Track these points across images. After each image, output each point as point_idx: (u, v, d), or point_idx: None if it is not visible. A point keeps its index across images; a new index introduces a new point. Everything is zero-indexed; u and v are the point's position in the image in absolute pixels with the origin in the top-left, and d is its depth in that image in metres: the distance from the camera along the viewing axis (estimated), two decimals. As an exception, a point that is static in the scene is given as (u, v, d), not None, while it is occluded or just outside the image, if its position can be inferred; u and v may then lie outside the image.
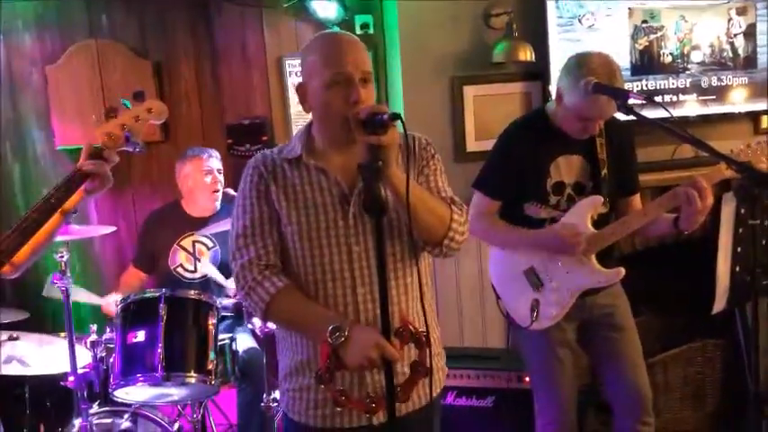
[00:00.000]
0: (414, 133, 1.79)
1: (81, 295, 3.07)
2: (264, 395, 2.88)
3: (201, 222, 3.29)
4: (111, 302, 3.04)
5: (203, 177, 3.29)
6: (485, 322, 3.67)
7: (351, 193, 1.71)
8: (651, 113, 2.38)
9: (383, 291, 1.53)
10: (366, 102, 1.64)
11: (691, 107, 3.62)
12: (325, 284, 1.70)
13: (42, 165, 3.95)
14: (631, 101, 2.18)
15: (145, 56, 3.90)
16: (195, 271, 3.30)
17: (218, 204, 3.35)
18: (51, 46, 3.88)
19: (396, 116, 1.54)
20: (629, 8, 3.51)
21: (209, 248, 3.31)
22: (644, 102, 2.15)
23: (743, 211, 1.80)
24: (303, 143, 1.76)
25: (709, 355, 3.44)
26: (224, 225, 3.06)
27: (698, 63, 3.59)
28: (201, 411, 2.99)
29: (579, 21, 3.48)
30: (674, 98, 3.58)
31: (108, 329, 2.86)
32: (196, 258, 3.30)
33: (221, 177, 3.35)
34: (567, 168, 2.50)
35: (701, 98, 3.61)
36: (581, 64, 2.34)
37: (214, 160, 3.34)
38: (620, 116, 2.37)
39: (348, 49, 1.68)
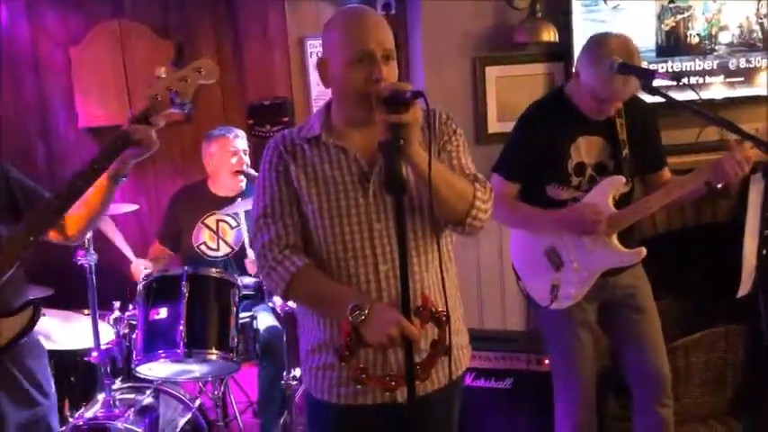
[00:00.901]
0: (435, 107, 1.76)
1: (119, 241, 3.12)
2: (285, 373, 2.90)
3: (226, 202, 3.32)
4: (141, 267, 3.08)
5: (229, 158, 3.31)
6: (504, 304, 3.66)
7: (370, 171, 1.71)
8: (677, 96, 2.34)
9: (404, 268, 1.52)
10: (388, 80, 1.63)
11: (717, 89, 3.55)
12: (347, 262, 1.70)
13: (66, 143, 3.98)
14: (657, 82, 2.15)
15: (167, 36, 3.92)
16: (218, 249, 3.33)
17: (242, 185, 3.36)
18: (75, 27, 3.91)
19: (418, 94, 1.53)
20: (656, -12, 3.45)
21: (232, 227, 3.34)
22: (671, 82, 2.12)
23: (771, 193, 1.78)
24: (322, 122, 1.75)
25: (731, 340, 3.40)
26: (247, 204, 3.07)
27: (726, 44, 3.52)
28: (222, 389, 3.03)
29: (604, 1, 3.43)
30: (701, 80, 3.52)
31: (131, 306, 2.89)
32: (219, 237, 3.33)
33: (247, 158, 3.35)
34: (587, 149, 2.49)
35: (728, 80, 3.54)
36: (600, 44, 2.33)
37: (240, 140, 3.35)
38: (645, 97, 2.35)
39: (371, 26, 1.66)
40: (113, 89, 3.81)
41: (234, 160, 3.30)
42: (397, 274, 1.65)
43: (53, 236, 2.00)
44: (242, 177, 3.33)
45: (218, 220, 3.33)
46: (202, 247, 3.33)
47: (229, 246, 3.32)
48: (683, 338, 3.34)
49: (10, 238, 1.82)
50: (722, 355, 3.40)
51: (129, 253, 3.14)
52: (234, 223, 3.33)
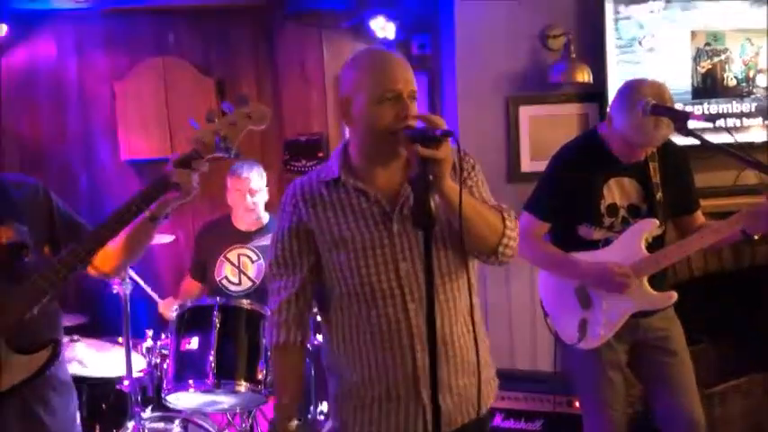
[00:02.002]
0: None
1: (146, 287, 3.17)
2: (312, 407, 2.90)
3: (247, 236, 3.36)
4: (168, 306, 3.12)
5: (237, 196, 3.35)
6: (535, 343, 3.61)
7: (392, 210, 1.71)
8: (712, 138, 2.33)
9: (430, 304, 1.53)
10: (414, 118, 1.66)
11: (756, 132, 3.52)
12: (375, 303, 1.70)
13: (108, 175, 4.09)
14: (692, 124, 2.15)
15: (208, 73, 4.03)
16: (240, 283, 3.36)
17: (264, 219, 3.40)
18: (120, 62, 4.04)
19: (448, 133, 1.56)
20: (692, 30, 3.45)
21: (252, 261, 3.37)
22: (706, 124, 2.11)
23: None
24: (341, 163, 1.76)
25: (771, 388, 3.31)
26: (268, 239, 3.12)
27: (764, 87, 3.50)
28: (250, 421, 3.03)
29: (639, 43, 3.44)
30: (738, 123, 3.48)
31: (163, 335, 2.93)
32: (241, 271, 3.36)
33: (257, 198, 3.36)
34: (620, 190, 2.49)
35: (766, 123, 3.51)
36: (634, 89, 2.35)
37: (246, 181, 3.34)
38: (678, 139, 2.35)
39: (398, 66, 1.69)
40: (155, 123, 3.92)
41: (243, 197, 3.33)
42: (425, 313, 1.62)
43: (90, 270, 2.01)
44: (255, 215, 3.36)
45: (239, 255, 3.38)
46: (224, 282, 3.36)
47: (251, 280, 3.36)
48: (719, 385, 3.26)
49: (42, 274, 1.81)
50: (761, 402, 3.30)
51: (153, 295, 3.19)
52: (255, 257, 3.36)
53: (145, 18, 4.04)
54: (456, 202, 1.57)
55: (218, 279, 3.36)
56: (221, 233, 3.42)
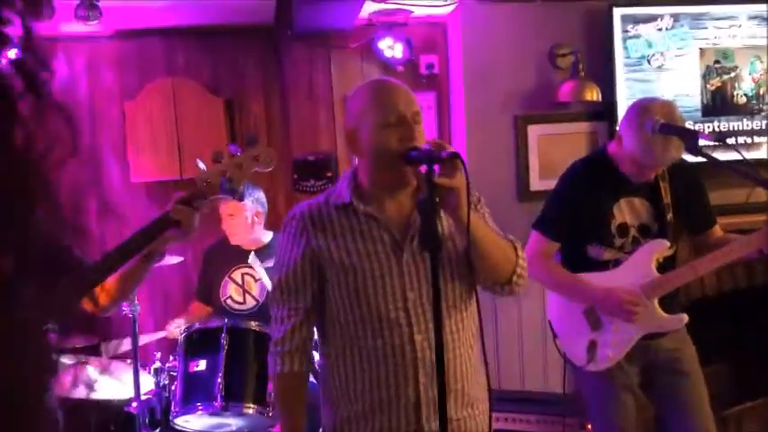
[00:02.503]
0: None
1: (143, 338, 3.15)
2: (321, 429, 2.87)
3: (248, 254, 3.35)
4: (174, 327, 3.11)
5: (227, 220, 3.34)
6: (546, 364, 3.58)
7: (403, 239, 1.70)
8: (723, 156, 2.32)
9: (438, 330, 1.52)
10: (419, 141, 1.65)
11: (766, 149, 3.49)
12: (382, 333, 1.68)
13: (117, 196, 4.11)
14: (701, 142, 2.13)
15: (217, 93, 4.05)
16: (244, 302, 3.35)
17: (264, 238, 3.39)
18: (130, 82, 4.07)
19: (455, 155, 1.55)
20: (701, 48, 3.45)
21: (256, 280, 3.36)
22: (714, 143, 2.10)
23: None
24: (351, 189, 1.75)
25: (787, 409, 3.26)
26: (271, 261, 3.12)
27: (774, 104, 3.48)
28: (259, 444, 3.01)
29: (648, 61, 3.44)
30: (749, 140, 3.47)
31: (171, 357, 2.92)
32: (245, 290, 3.36)
33: (247, 222, 3.33)
34: (630, 210, 2.46)
35: (776, 140, 3.49)
36: (644, 108, 2.33)
37: (238, 205, 3.29)
38: (689, 158, 2.33)
39: (399, 91, 1.71)
40: (165, 143, 3.93)
41: (232, 221, 3.31)
42: (432, 344, 1.62)
43: (85, 304, 1.97)
44: (260, 233, 3.36)
45: (243, 274, 3.37)
46: (228, 302, 3.35)
47: (255, 298, 3.35)
48: (735, 407, 3.21)
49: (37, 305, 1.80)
50: (777, 425, 3.25)
51: (157, 335, 3.18)
52: (257, 276, 3.35)
53: (154, 39, 4.07)
54: (473, 231, 1.57)
55: (222, 299, 3.36)
56: (224, 254, 3.42)
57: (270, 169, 1.81)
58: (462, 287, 1.72)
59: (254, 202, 3.37)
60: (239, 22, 3.98)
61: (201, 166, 1.77)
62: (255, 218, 3.35)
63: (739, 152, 2.05)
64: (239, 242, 3.37)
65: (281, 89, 4.07)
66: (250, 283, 3.36)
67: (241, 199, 1.80)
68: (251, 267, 3.30)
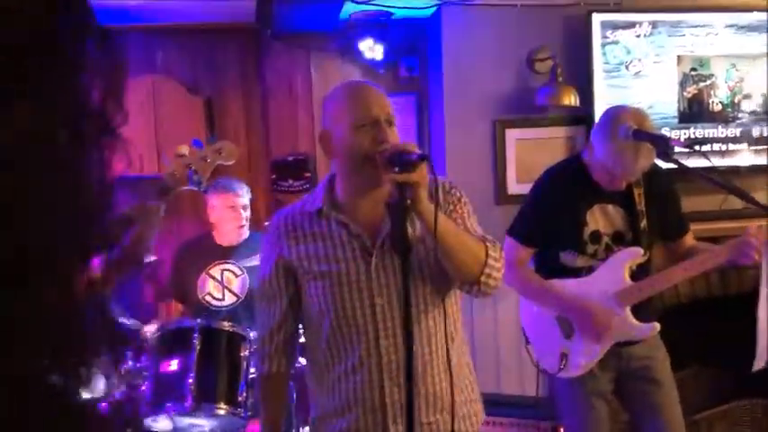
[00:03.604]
0: (438, 177, 1.80)
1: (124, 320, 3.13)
2: (294, 430, 2.86)
3: (230, 251, 3.34)
4: (152, 331, 3.09)
5: (228, 213, 3.34)
6: (522, 367, 3.59)
7: (373, 245, 1.71)
8: (698, 163, 2.34)
9: (408, 334, 1.53)
10: (392, 142, 1.66)
11: (743, 157, 3.53)
12: (350, 338, 1.71)
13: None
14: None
15: (196, 92, 4.03)
16: (223, 299, 3.34)
17: (245, 233, 3.39)
18: (109, 81, 4.03)
19: (424, 157, 1.56)
20: (678, 56, 3.48)
21: (237, 276, 3.35)
22: (686, 149, 2.12)
23: (787, 264, 1.74)
24: (325, 195, 1.77)
25: (757, 415, 3.28)
26: (253, 260, 3.11)
27: (749, 112, 3.51)
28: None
29: (626, 67, 3.46)
30: (724, 147, 3.50)
31: (143, 357, 2.89)
32: (225, 286, 3.34)
33: (246, 213, 3.37)
34: (604, 218, 2.47)
35: (751, 148, 3.52)
36: (615, 116, 2.35)
37: (240, 198, 3.36)
38: (662, 164, 2.34)
39: (372, 94, 1.72)
40: (143, 141, 3.91)
41: (233, 215, 3.32)
42: (398, 348, 1.67)
43: None
44: (242, 230, 3.36)
45: (222, 270, 3.36)
46: (207, 298, 3.33)
47: (235, 294, 3.33)
48: (706, 411, 3.23)
49: None
50: (747, 430, 3.28)
51: (133, 324, 3.15)
52: (239, 272, 3.34)
53: (134, 37, 4.04)
54: (432, 224, 1.56)
55: (200, 295, 3.33)
56: (203, 250, 3.40)
57: (231, 162, 1.94)
58: (435, 290, 1.72)
59: (246, 193, 3.40)
60: (220, 21, 3.96)
61: (167, 161, 1.89)
62: (243, 210, 3.37)
63: (709, 159, 2.07)
64: (227, 235, 3.35)
65: (260, 89, 4.06)
66: (230, 279, 3.34)
67: (206, 190, 1.91)
68: (231, 263, 3.29)
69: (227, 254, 3.34)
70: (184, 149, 1.86)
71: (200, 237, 3.52)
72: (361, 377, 1.70)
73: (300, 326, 1.88)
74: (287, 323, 1.80)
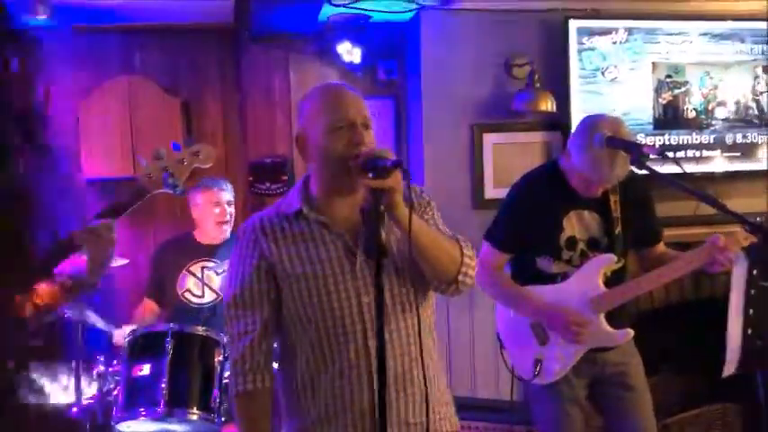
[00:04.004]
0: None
1: (93, 318, 3.10)
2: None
3: (211, 249, 3.33)
4: (124, 335, 3.06)
5: (212, 209, 3.34)
6: (498, 371, 3.60)
7: (355, 244, 1.70)
8: (674, 170, 2.36)
9: (381, 339, 1.52)
10: (368, 146, 1.65)
11: (718, 163, 3.57)
12: (337, 339, 1.68)
13: (70, 195, 4.03)
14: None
15: (174, 94, 3.99)
16: (203, 296, 3.31)
17: (227, 233, 3.38)
18: (85, 81, 3.99)
19: (398, 163, 1.55)
20: (653, 62, 3.51)
21: (218, 273, 3.33)
22: (657, 155, 2.14)
23: (755, 272, 1.76)
24: (302, 197, 1.74)
25: (729, 419, 3.32)
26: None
27: (723, 119, 3.56)
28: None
29: (602, 73, 3.49)
30: (698, 153, 3.54)
31: (115, 362, 2.87)
32: (205, 284, 3.32)
33: (231, 209, 3.38)
34: (579, 224, 2.48)
35: (725, 155, 3.56)
36: (592, 124, 2.36)
37: (225, 193, 3.38)
38: (636, 170, 2.36)
39: (348, 96, 1.71)
40: (119, 144, 3.87)
41: (217, 211, 3.32)
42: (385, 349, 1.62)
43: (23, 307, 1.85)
44: (226, 227, 3.36)
45: (203, 267, 3.33)
46: (187, 295, 3.31)
47: (215, 292, 3.31)
48: (678, 415, 3.26)
49: None
50: (719, 433, 3.32)
51: (106, 326, 3.12)
52: (220, 270, 3.32)
53: (111, 37, 4.00)
54: (410, 229, 1.56)
55: (179, 292, 3.30)
56: (183, 248, 3.38)
57: (209, 165, 1.90)
58: (411, 293, 1.71)
59: (230, 190, 3.40)
60: (199, 21, 3.94)
61: (143, 163, 1.83)
62: (228, 206, 3.36)
63: (681, 166, 2.09)
64: (209, 233, 3.34)
65: (238, 91, 4.04)
66: (211, 277, 3.32)
67: (182, 193, 1.84)
68: (212, 261, 3.28)
69: (208, 252, 3.32)
70: (162, 152, 1.82)
71: (181, 236, 3.50)
72: (350, 380, 1.67)
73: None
74: (267, 334, 1.72)
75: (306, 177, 1.79)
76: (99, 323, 3.11)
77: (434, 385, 1.75)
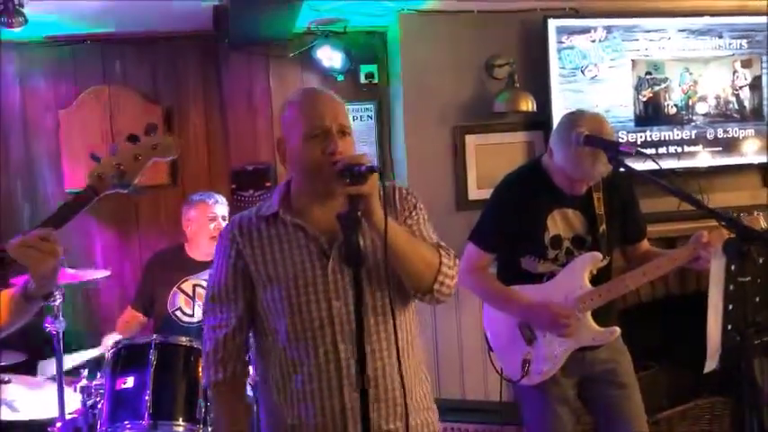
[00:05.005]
0: (394, 183, 1.81)
1: (77, 356, 3.08)
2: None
3: (203, 266, 3.29)
4: (110, 342, 3.04)
5: (207, 223, 3.31)
6: (486, 373, 3.59)
7: (330, 247, 1.70)
8: (655, 166, 2.35)
9: (361, 346, 1.51)
10: (344, 153, 1.65)
11: (702, 158, 3.59)
12: (306, 342, 1.68)
13: (52, 206, 4.00)
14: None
15: (156, 101, 3.98)
16: (193, 315, 3.29)
17: None
18: (65, 90, 3.97)
19: (373, 169, 1.55)
20: (633, 60, 3.52)
21: None
22: (634, 153, 2.14)
23: (733, 267, 1.77)
24: (281, 199, 1.76)
25: (717, 413, 3.33)
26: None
27: (703, 114, 3.57)
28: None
29: (582, 72, 3.50)
30: (680, 149, 3.55)
31: (99, 375, 2.84)
32: (196, 302, 3.29)
33: (225, 224, 3.36)
34: (563, 222, 2.47)
35: (706, 149, 3.58)
36: (571, 121, 2.35)
37: (220, 206, 3.36)
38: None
39: (326, 103, 1.71)
40: (101, 153, 3.83)
41: (212, 226, 3.30)
42: (356, 354, 1.59)
43: None
44: None
45: (194, 285, 3.31)
46: (177, 313, 3.29)
47: None
48: (667, 410, 3.27)
49: None
50: (707, 428, 3.32)
51: (91, 353, 3.10)
52: None
53: (90, 46, 3.98)
54: (387, 235, 1.55)
55: (170, 310, 3.28)
56: (174, 264, 3.35)
57: (170, 158, 1.68)
58: (393, 297, 1.68)
59: (224, 203, 3.38)
60: (179, 29, 3.92)
61: (99, 160, 1.61)
62: (222, 220, 3.34)
63: (657, 163, 2.09)
64: (201, 249, 3.31)
65: (220, 97, 4.03)
66: (202, 295, 3.29)
67: (137, 193, 1.66)
68: (203, 278, 3.25)
69: (201, 269, 3.29)
70: (116, 147, 1.60)
71: (171, 249, 3.47)
72: (320, 384, 1.68)
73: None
74: (242, 329, 1.76)
75: (288, 180, 1.80)
76: (84, 357, 3.09)
77: (414, 391, 1.74)
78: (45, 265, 1.49)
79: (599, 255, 2.43)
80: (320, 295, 1.68)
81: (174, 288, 3.31)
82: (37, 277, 1.52)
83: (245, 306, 1.76)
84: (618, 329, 2.44)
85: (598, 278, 2.46)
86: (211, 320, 1.77)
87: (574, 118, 2.37)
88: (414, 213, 1.78)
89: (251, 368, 1.97)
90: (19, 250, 1.48)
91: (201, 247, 3.35)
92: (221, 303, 1.76)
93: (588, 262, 2.43)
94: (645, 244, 2.59)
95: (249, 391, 2.81)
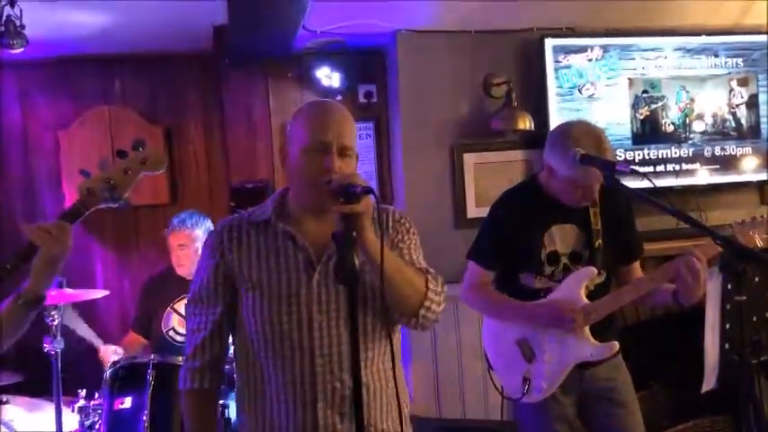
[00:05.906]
0: (388, 207, 1.80)
1: (82, 330, 3.07)
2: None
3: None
4: (110, 351, 3.03)
5: (178, 251, 3.28)
6: (487, 392, 3.58)
7: (317, 260, 1.68)
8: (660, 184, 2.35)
9: (356, 363, 1.49)
10: (341, 172, 1.64)
11: (700, 176, 3.59)
12: (283, 353, 1.65)
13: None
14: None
15: (156, 121, 4.01)
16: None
17: None
18: (65, 111, 4.00)
19: (368, 190, 1.54)
20: (629, 78, 3.54)
21: None
22: (629, 172, 2.13)
23: (729, 286, 1.76)
24: (275, 206, 1.73)
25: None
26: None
27: (701, 132, 3.59)
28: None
29: (579, 90, 3.51)
30: (677, 167, 3.56)
31: (97, 395, 2.83)
32: None
33: (197, 252, 3.23)
34: (561, 238, 2.47)
35: (704, 167, 3.59)
36: (565, 135, 2.34)
37: (194, 231, 3.29)
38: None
39: (333, 118, 1.67)
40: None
41: (183, 252, 3.25)
42: (333, 369, 1.63)
43: None
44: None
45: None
46: (171, 333, 3.28)
47: None
48: (667, 429, 3.25)
49: None
50: (708, 447, 3.31)
51: (95, 340, 3.10)
52: None
53: (90, 66, 4.02)
54: (375, 255, 1.54)
55: (164, 330, 3.28)
56: (167, 285, 3.35)
57: (159, 172, 1.71)
58: (379, 319, 1.69)
59: (204, 231, 3.32)
60: (178, 49, 3.95)
61: (89, 175, 1.65)
62: (195, 248, 3.30)
63: (651, 181, 2.09)
64: (186, 273, 3.30)
65: (219, 116, 4.05)
66: None
67: (127, 207, 1.68)
68: None
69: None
70: (106, 162, 1.64)
71: (164, 271, 3.46)
72: (294, 398, 1.65)
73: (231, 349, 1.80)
74: (221, 335, 1.73)
75: (285, 189, 1.78)
76: (88, 334, 3.08)
77: (381, 412, 1.71)
78: (56, 248, 1.55)
79: (594, 270, 2.41)
80: (302, 307, 1.65)
81: (168, 308, 3.30)
82: (43, 265, 1.56)
83: (223, 309, 1.71)
84: (617, 344, 2.42)
85: (595, 294, 2.45)
86: (192, 323, 1.75)
87: (567, 133, 2.33)
88: (406, 238, 1.77)
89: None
90: (36, 232, 1.55)
91: (188, 267, 3.34)
92: (201, 305, 1.73)
93: (584, 277, 2.42)
94: (637, 268, 2.55)
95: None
